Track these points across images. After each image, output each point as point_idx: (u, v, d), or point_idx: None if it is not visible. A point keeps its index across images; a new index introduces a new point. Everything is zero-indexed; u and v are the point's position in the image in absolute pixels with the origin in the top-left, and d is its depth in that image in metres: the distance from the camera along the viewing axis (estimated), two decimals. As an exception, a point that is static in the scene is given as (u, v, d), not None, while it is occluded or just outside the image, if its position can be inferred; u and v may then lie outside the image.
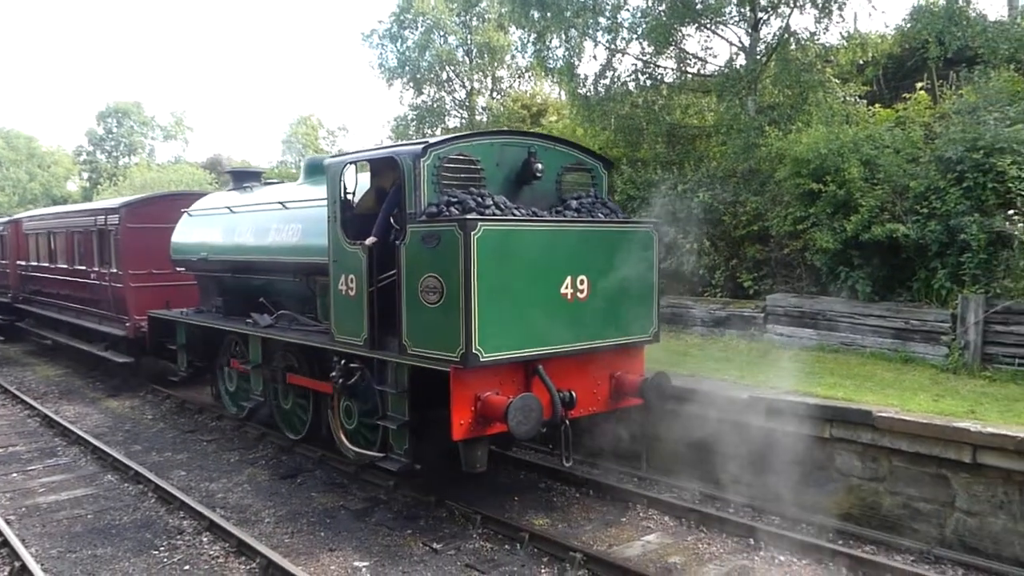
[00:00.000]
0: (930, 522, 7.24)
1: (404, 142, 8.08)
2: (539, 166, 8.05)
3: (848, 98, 15.04)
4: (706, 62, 17.31)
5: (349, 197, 8.61)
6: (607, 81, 17.68)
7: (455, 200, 7.30)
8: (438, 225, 7.12)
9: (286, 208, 10.15)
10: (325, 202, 8.96)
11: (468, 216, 6.96)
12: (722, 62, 17.15)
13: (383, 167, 8.68)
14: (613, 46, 17.69)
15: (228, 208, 11.48)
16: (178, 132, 69.08)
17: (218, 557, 7.24)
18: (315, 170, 10.79)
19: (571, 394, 7.76)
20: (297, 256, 9.59)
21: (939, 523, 7.19)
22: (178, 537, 7.71)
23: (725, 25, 16.69)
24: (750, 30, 16.23)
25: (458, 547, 7.35)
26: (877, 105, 14.89)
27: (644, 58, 17.44)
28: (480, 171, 7.80)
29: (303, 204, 9.78)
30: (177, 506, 8.45)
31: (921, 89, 13.91)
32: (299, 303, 10.24)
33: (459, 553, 7.22)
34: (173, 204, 14.09)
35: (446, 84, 29.48)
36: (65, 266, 17.53)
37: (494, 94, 30.23)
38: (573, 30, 17.60)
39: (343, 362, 8.49)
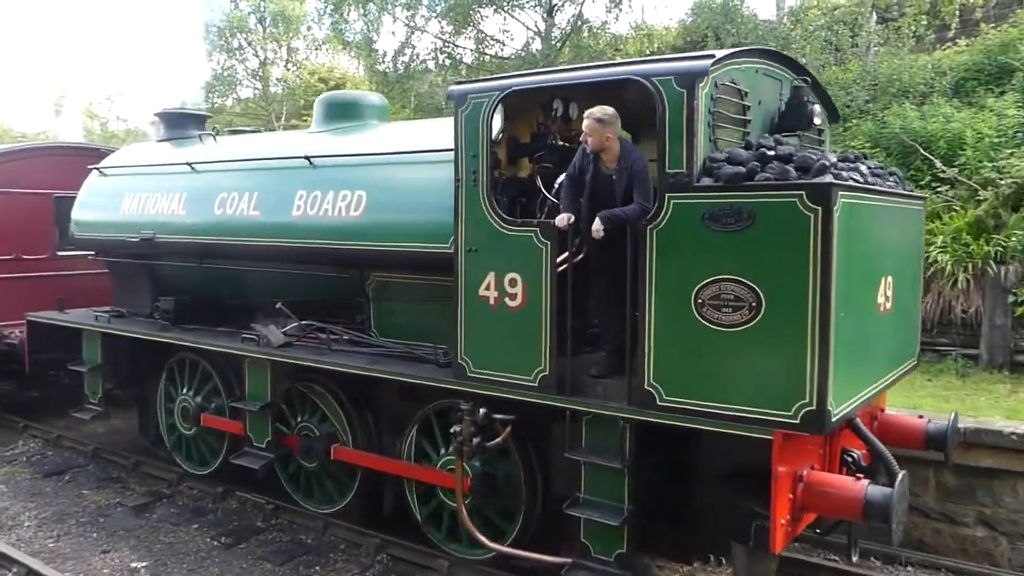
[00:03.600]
0: None
1: (648, 58, 4.95)
2: (815, 107, 5.29)
3: None
4: (504, 44, 17.78)
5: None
6: (406, 58, 17.86)
7: (781, 153, 4.40)
8: (751, 195, 4.22)
9: (313, 166, 6.65)
10: (410, 157, 5.80)
11: (822, 180, 4.12)
12: (519, 45, 17.98)
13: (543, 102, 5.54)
14: (412, 23, 17.95)
15: (188, 165, 7.64)
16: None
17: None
18: (341, 112, 7.35)
19: (859, 454, 5.19)
20: (349, 241, 6.18)
21: None
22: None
23: (522, 9, 17.29)
24: (546, 15, 17.04)
25: (250, 540, 6.78)
26: None
27: (443, 37, 17.83)
28: (747, 111, 4.94)
29: (359, 159, 6.37)
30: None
31: None
32: (333, 308, 6.81)
33: (251, 546, 6.70)
34: (54, 162, 9.79)
35: (237, 52, 27.57)
36: None
37: (289, 65, 29.01)
38: (372, 4, 17.67)
39: (483, 411, 5.33)
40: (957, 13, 15.05)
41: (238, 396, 7.06)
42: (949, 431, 5.53)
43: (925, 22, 14.67)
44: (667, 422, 4.54)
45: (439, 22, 18.00)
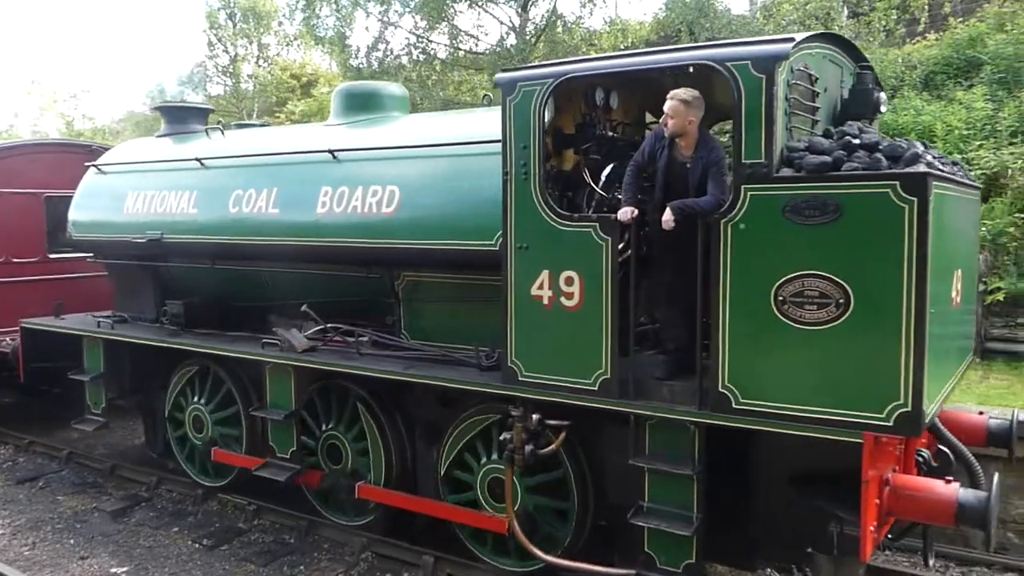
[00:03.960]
0: None
1: (722, 41, 4.69)
2: (881, 95, 5.08)
3: None
4: (478, 40, 17.99)
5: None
6: (380, 54, 17.80)
7: (867, 142, 4.17)
8: (838, 186, 3.99)
9: (338, 161, 6.32)
10: (447, 150, 5.56)
11: (916, 169, 3.90)
12: (494, 40, 18.28)
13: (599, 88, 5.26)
14: (385, 18, 18.03)
15: (198, 161, 7.26)
16: None
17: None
18: (361, 104, 7.01)
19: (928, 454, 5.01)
20: (381, 239, 5.87)
21: None
22: None
23: (496, 4, 17.48)
24: (520, 10, 17.16)
25: (232, 541, 6.69)
26: None
27: (417, 32, 17.82)
28: (816, 99, 4.71)
29: (390, 153, 6.05)
30: None
31: None
32: (358, 310, 6.50)
33: (233, 548, 6.60)
34: (43, 159, 9.32)
35: (208, 48, 27.88)
36: None
37: (260, 61, 29.11)
38: (344, -1, 17.48)
39: (536, 417, 5.06)
40: (926, 8, 15.33)
41: (257, 405, 6.70)
42: (1013, 427, 5.37)
43: (895, 16, 14.92)
44: (744, 426, 4.31)
45: (413, 17, 18.01)
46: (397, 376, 5.67)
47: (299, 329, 6.50)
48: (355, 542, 6.34)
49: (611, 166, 5.42)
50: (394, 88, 7.19)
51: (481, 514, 5.66)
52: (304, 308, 6.33)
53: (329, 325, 6.34)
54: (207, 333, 7.25)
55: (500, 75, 5.06)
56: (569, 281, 4.80)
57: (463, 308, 5.83)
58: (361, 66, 17.94)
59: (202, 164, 7.23)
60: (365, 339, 6.18)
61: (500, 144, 5.18)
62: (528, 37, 16.97)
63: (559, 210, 4.84)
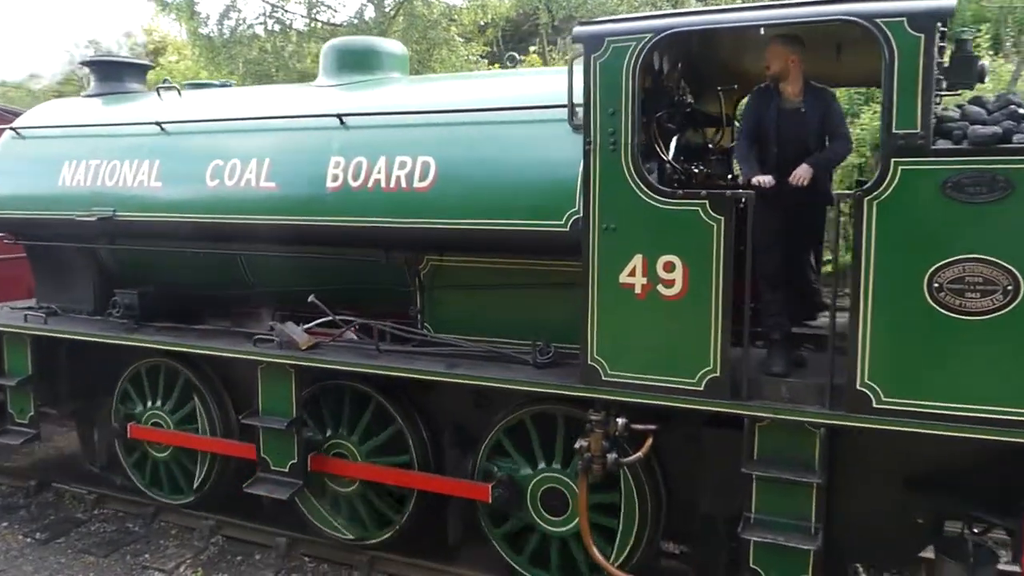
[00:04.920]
0: None
1: None
2: (984, 63, 4.73)
3: (471, 57, 16.30)
4: (336, 11, 17.43)
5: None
6: (232, 22, 17.00)
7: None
8: (1010, 160, 3.58)
9: (346, 127, 5.42)
10: (493, 116, 4.87)
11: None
12: (352, 12, 18.03)
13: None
14: None
15: (157, 125, 6.10)
16: None
17: None
18: (358, 62, 6.11)
19: None
20: (412, 218, 5.04)
21: None
22: None
23: None
24: None
25: (69, 533, 6.35)
26: (496, 65, 15.63)
27: (272, 1, 17.11)
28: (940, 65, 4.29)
29: (420, 119, 5.22)
30: None
31: (534, 52, 15.68)
32: (365, 299, 5.66)
33: (70, 540, 6.26)
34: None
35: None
36: None
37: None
38: (192, -36, 16.76)
39: (622, 422, 4.45)
40: None
41: (247, 412, 5.72)
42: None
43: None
44: (888, 427, 3.87)
45: (268, -16, 17.54)
46: (476, 382, 4.87)
47: (293, 321, 5.59)
48: (204, 526, 6.15)
49: (678, 136, 4.86)
50: (394, 46, 6.30)
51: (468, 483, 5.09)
52: (312, 299, 5.41)
53: (339, 317, 5.45)
54: (169, 327, 6.18)
55: (581, 28, 4.36)
56: (669, 267, 4.21)
57: (505, 297, 5.12)
58: (212, 34, 17.12)
59: (163, 129, 6.09)
60: (384, 333, 5.36)
61: (565, 110, 4.56)
62: (387, 10, 16.55)
63: (658, 185, 4.22)
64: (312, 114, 5.55)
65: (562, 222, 4.58)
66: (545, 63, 15.46)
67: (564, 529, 5.02)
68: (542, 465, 5.05)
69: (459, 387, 5.12)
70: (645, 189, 4.21)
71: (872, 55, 3.87)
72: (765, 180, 4.09)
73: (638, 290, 4.28)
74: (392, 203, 5.09)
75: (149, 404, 6.37)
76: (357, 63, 6.06)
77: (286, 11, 17.14)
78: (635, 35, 4.19)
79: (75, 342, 6.39)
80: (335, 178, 5.29)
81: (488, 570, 5.39)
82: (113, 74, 7.18)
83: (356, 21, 16.51)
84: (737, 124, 5.54)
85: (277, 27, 17.05)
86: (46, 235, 6.64)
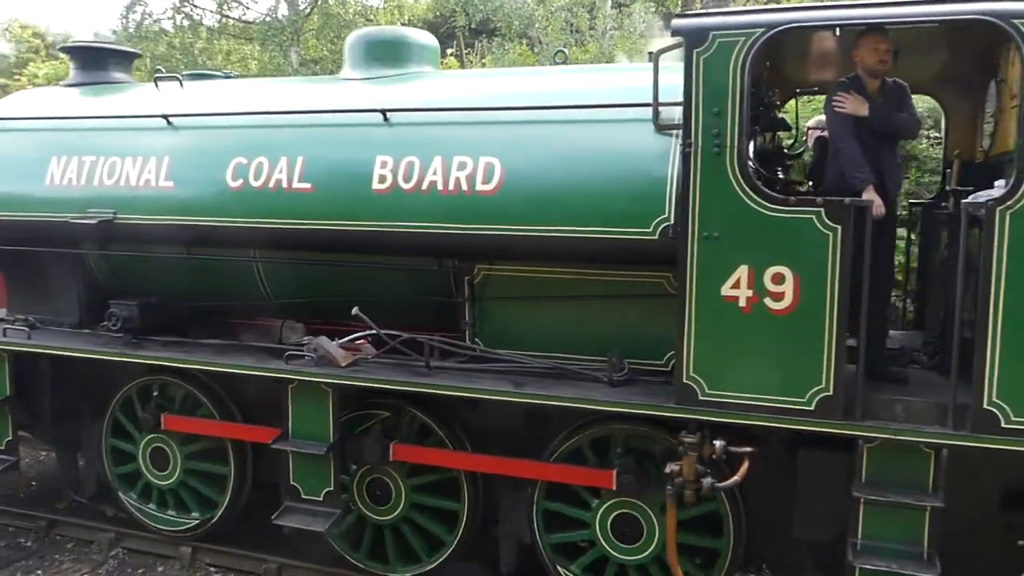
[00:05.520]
0: None
1: None
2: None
3: None
4: (247, 8, 17.25)
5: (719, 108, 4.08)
6: (137, 16, 16.52)
7: None
8: None
9: (389, 124, 4.97)
10: (561, 114, 4.55)
11: None
12: (265, 9, 18.44)
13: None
14: None
15: (163, 118, 5.49)
16: None
17: None
18: (389, 55, 5.65)
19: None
20: (472, 224, 4.62)
21: None
22: None
23: None
24: None
25: None
26: None
27: None
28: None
29: (479, 116, 4.81)
30: None
31: (451, 55, 15.49)
32: (405, 312, 5.21)
33: None
34: None
35: None
36: None
37: None
38: (94, -45, 16.66)
39: (720, 444, 4.15)
40: (680, 2, 16.23)
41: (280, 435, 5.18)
42: None
43: (654, 9, 16.05)
44: (1018, 448, 3.69)
45: (176, -22, 17.17)
46: (578, 405, 4.42)
47: (322, 335, 5.10)
48: (102, 539, 5.89)
49: (760, 140, 4.62)
50: (426, 37, 5.84)
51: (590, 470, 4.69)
52: (356, 311, 4.93)
53: (385, 332, 4.98)
54: (174, 341, 5.60)
55: (681, 22, 4.05)
56: (778, 279, 3.94)
57: (567, 309, 4.77)
58: (115, 29, 16.68)
59: (169, 123, 5.49)
60: (433, 348, 4.93)
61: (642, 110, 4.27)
62: (301, 8, 16.32)
63: (767, 192, 3.95)
64: (351, 108, 5.06)
65: (650, 229, 4.27)
66: (462, 66, 15.37)
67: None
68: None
69: (510, 406, 4.75)
70: (753, 195, 3.93)
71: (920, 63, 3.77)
72: (878, 208, 3.91)
73: (742, 303, 4.00)
74: (451, 207, 4.67)
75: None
76: (389, 55, 5.59)
77: (195, 7, 16.74)
78: (745, 29, 3.90)
79: (60, 359, 5.72)
80: (382, 179, 4.83)
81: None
82: (95, 62, 6.48)
83: (268, 19, 16.21)
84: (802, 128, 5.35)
85: (186, 23, 16.65)
86: (26, 239, 5.92)
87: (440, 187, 4.70)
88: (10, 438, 5.93)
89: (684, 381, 4.13)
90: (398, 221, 4.77)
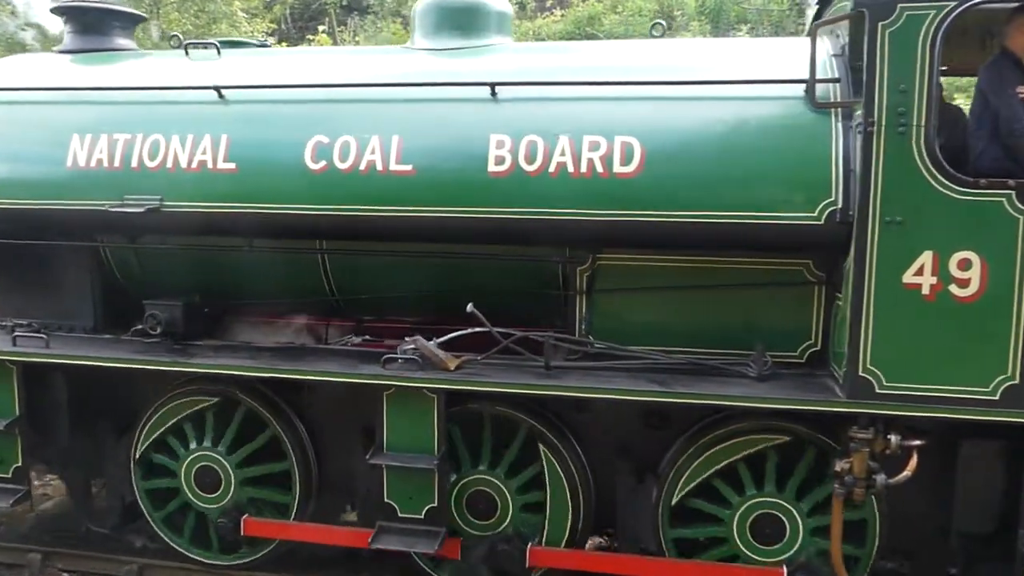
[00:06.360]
0: None
1: None
2: None
3: (256, 34, 15.88)
4: None
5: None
6: None
7: None
8: None
9: (496, 100, 4.49)
10: (713, 91, 4.31)
11: None
12: None
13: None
14: None
15: (215, 90, 4.75)
16: None
17: None
18: (465, 22, 5.13)
19: None
20: (609, 210, 4.23)
21: None
22: None
23: None
24: None
25: None
26: (284, 43, 16.08)
27: None
28: None
29: (595, 90, 4.39)
30: None
31: (323, 32, 15.62)
32: (506, 307, 4.74)
33: None
34: None
35: None
36: None
37: None
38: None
39: (896, 439, 3.96)
40: None
41: (372, 451, 4.60)
42: None
43: None
44: None
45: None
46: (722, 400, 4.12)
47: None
48: (32, 559, 5.33)
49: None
50: (501, 3, 5.32)
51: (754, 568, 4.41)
52: (470, 309, 4.42)
53: (499, 330, 4.50)
54: (224, 346, 4.94)
55: None
56: (964, 264, 3.78)
57: (697, 301, 4.48)
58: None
59: (222, 96, 4.77)
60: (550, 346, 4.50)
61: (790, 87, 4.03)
62: None
63: (956, 174, 3.77)
64: (460, 82, 4.54)
65: (815, 214, 4.02)
66: (335, 43, 15.28)
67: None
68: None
69: (624, 405, 4.42)
70: (940, 177, 3.75)
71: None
72: None
73: (926, 291, 3.82)
74: (584, 191, 4.25)
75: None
76: (468, 23, 5.07)
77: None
78: (937, 1, 3.70)
79: (76, 370, 4.91)
80: (500, 160, 4.35)
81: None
82: (95, 26, 5.60)
83: None
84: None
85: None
86: (27, 231, 5.04)
87: (571, 169, 4.28)
88: (19, 464, 5.05)
89: (860, 374, 3.92)
90: (522, 207, 4.31)
